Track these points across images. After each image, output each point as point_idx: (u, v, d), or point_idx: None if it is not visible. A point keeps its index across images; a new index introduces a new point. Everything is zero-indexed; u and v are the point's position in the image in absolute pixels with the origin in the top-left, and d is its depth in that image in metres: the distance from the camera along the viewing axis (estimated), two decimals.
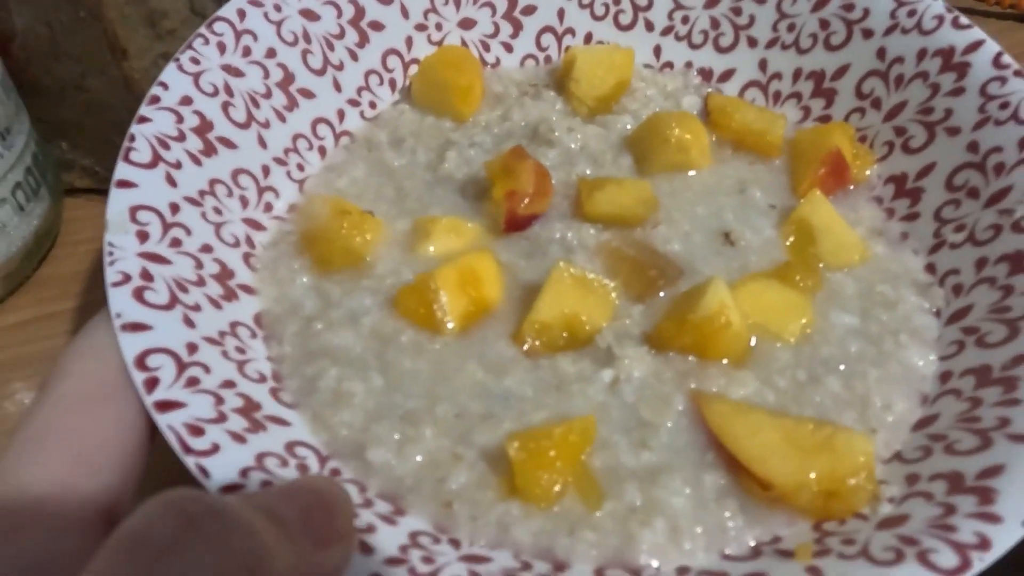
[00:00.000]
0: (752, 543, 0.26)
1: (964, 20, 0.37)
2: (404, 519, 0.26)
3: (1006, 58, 0.35)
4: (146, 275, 0.27)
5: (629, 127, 0.39)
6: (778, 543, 0.26)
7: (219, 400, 0.26)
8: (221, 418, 0.25)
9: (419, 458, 0.28)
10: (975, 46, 0.36)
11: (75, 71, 0.39)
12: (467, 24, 0.42)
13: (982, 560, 0.22)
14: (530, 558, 0.26)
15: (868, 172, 0.38)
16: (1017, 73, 0.34)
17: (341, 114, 0.39)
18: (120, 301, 0.26)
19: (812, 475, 0.26)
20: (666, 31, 0.43)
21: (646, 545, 0.26)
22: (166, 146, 0.31)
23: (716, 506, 0.27)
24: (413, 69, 0.41)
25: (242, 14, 0.35)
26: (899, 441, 0.29)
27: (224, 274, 0.31)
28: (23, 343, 0.37)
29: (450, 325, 0.31)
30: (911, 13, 0.38)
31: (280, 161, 0.36)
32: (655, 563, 0.26)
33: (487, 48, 0.43)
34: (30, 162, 0.38)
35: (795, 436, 0.27)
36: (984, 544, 0.23)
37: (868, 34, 0.39)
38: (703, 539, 0.26)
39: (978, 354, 0.30)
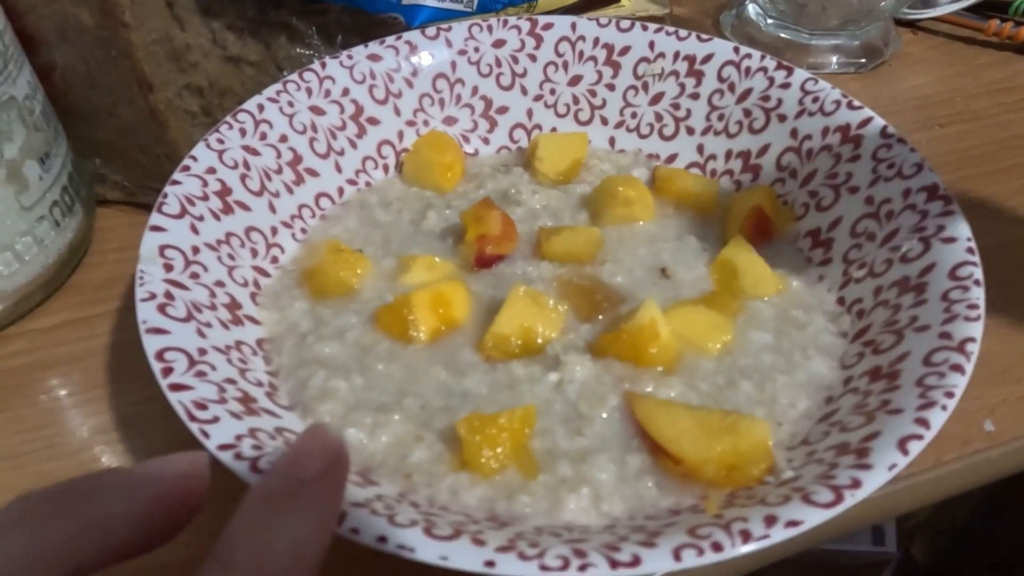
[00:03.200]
0: (666, 507, 0.28)
1: (856, 103, 0.41)
2: (373, 488, 0.28)
3: (890, 129, 0.39)
4: (168, 296, 0.32)
5: (586, 191, 0.44)
6: (695, 507, 0.28)
7: (221, 390, 0.29)
8: (222, 401, 0.29)
9: (386, 439, 0.31)
10: (866, 122, 0.40)
11: (107, 100, 0.42)
12: (450, 121, 0.47)
13: (853, 496, 0.25)
14: (476, 513, 0.28)
15: (789, 228, 0.42)
16: (900, 140, 0.39)
17: (341, 191, 0.44)
18: (146, 312, 0.31)
19: (716, 451, 0.29)
20: (618, 124, 0.48)
21: (572, 506, 0.28)
22: (192, 203, 0.36)
23: (636, 480, 0.29)
24: (403, 156, 0.46)
25: (261, 107, 0.41)
26: (803, 432, 0.31)
27: (233, 305, 0.35)
28: (57, 344, 0.39)
29: (421, 336, 0.35)
30: (815, 100, 0.43)
31: (287, 224, 0.40)
32: (579, 519, 0.28)
33: (467, 140, 0.48)
34: (66, 181, 0.40)
35: (706, 423, 0.30)
36: (856, 484, 0.25)
37: (782, 118, 0.44)
38: (621, 504, 0.28)
39: (873, 359, 0.32)
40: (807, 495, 0.25)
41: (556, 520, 0.28)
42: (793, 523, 0.24)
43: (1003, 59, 0.63)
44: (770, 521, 0.24)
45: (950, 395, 0.27)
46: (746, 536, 0.24)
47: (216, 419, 0.27)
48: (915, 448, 0.26)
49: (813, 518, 0.24)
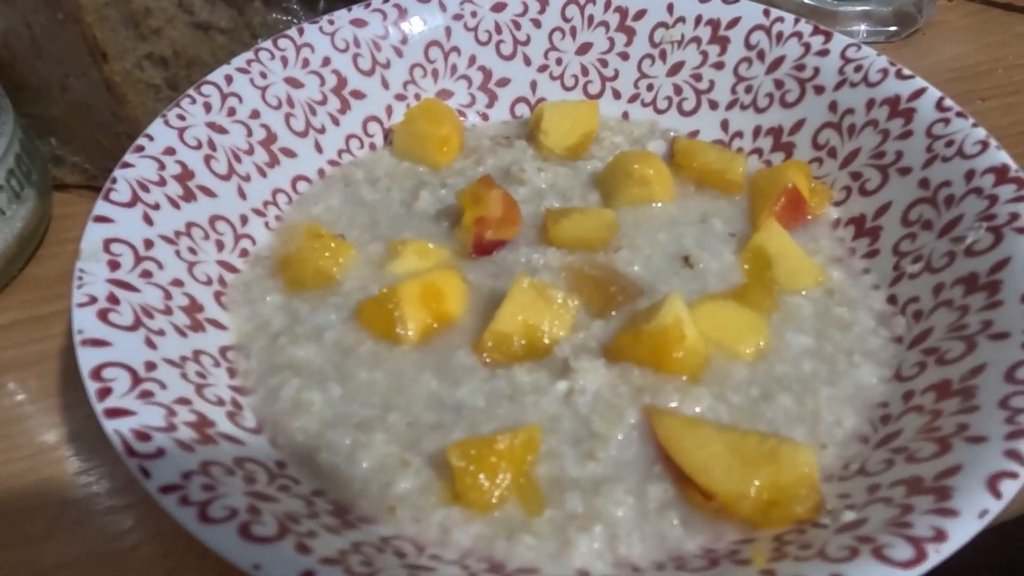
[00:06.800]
0: (694, 550, 0.23)
1: (907, 71, 0.35)
2: (350, 533, 0.23)
3: (948, 102, 0.33)
4: (112, 299, 0.26)
5: (598, 168, 0.38)
6: (736, 555, 0.22)
7: (171, 413, 0.24)
8: (171, 428, 0.23)
9: (367, 464, 0.25)
10: (919, 93, 0.34)
11: (58, 72, 0.36)
12: (445, 95, 0.41)
13: (938, 552, 0.19)
14: (473, 563, 0.22)
15: (826, 207, 0.36)
16: (959, 114, 0.33)
17: (321, 172, 0.38)
18: (83, 320, 0.25)
19: (754, 485, 0.23)
20: (632, 98, 0.42)
21: (583, 549, 0.22)
22: (146, 189, 0.30)
23: (658, 516, 0.24)
24: (394, 127, 0.40)
25: (229, 79, 0.35)
26: (855, 457, 0.25)
27: (193, 307, 0.29)
28: (6, 347, 0.34)
29: (409, 334, 0.29)
30: (857, 68, 0.36)
31: (259, 212, 0.34)
32: (593, 567, 0.22)
33: (464, 116, 0.42)
34: (13, 164, 0.35)
35: (740, 448, 0.24)
36: (940, 536, 0.19)
37: (820, 90, 0.37)
38: (640, 545, 0.23)
39: (939, 371, 0.27)
40: (879, 549, 0.19)
41: (565, 567, 0.22)
42: None
43: None
44: None
45: None
46: None
47: (160, 452, 0.22)
48: (1009, 489, 0.20)
49: None
